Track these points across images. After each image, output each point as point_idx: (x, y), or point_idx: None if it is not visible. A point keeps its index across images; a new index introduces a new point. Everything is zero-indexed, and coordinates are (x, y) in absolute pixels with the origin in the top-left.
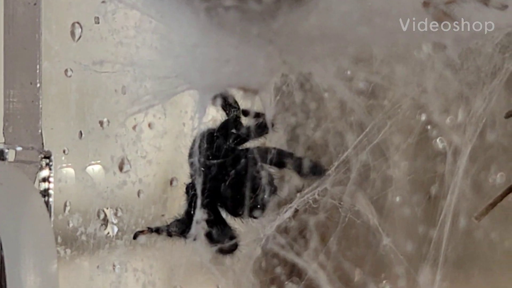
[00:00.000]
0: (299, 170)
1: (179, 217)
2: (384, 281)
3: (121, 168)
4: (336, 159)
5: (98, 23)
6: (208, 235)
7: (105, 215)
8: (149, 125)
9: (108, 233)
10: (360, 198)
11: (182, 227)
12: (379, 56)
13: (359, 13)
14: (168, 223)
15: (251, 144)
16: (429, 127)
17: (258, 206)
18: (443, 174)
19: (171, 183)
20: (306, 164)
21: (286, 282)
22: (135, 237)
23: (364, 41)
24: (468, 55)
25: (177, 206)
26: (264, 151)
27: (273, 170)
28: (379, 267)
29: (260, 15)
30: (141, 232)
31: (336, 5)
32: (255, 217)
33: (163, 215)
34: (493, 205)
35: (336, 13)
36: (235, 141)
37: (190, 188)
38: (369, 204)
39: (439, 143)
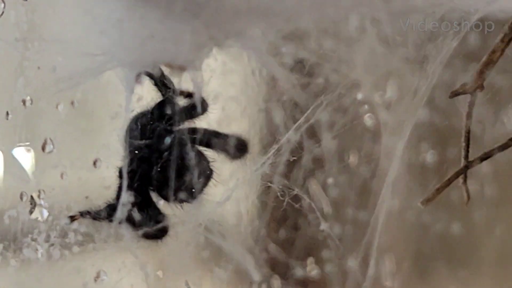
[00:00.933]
0: (226, 149)
1: (110, 202)
2: (312, 264)
3: (43, 149)
4: (272, 140)
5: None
6: (130, 219)
7: (32, 198)
8: (72, 103)
9: (38, 217)
10: (298, 181)
11: (111, 211)
12: (310, 30)
13: None
14: (101, 207)
15: (185, 125)
16: (365, 106)
17: (190, 190)
18: (378, 153)
19: (94, 164)
20: (232, 142)
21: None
22: (71, 220)
23: (292, 13)
24: (408, 31)
25: (100, 187)
26: (192, 131)
27: (209, 152)
28: (312, 250)
29: None
30: (73, 217)
31: None
32: (186, 201)
33: (86, 197)
34: (439, 190)
35: None
36: (169, 123)
37: (122, 171)
38: (311, 187)
39: (373, 122)
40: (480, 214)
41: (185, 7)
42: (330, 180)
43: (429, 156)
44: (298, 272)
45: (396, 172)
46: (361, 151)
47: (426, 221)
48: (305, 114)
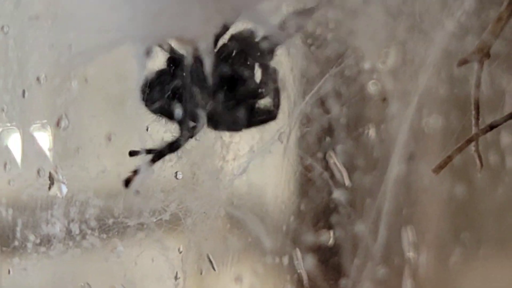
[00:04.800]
0: None
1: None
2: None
3: (58, 125)
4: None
5: None
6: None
7: (50, 174)
8: (86, 80)
9: (57, 194)
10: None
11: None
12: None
13: None
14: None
15: None
16: (374, 76)
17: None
18: (384, 120)
19: (109, 139)
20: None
21: None
22: (127, 185)
23: None
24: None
25: (115, 163)
26: None
27: None
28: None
29: None
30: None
31: None
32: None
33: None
34: (451, 157)
35: None
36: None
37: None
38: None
39: (379, 89)
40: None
41: None
42: (339, 148)
43: (438, 123)
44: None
45: (405, 137)
46: (371, 120)
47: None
48: (318, 85)
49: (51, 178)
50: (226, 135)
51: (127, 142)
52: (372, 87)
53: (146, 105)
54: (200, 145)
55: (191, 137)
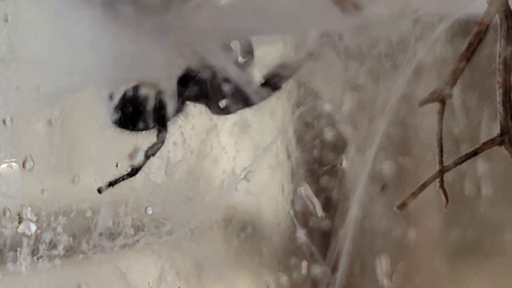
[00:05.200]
0: None
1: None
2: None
3: (24, 165)
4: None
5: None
6: None
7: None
8: (50, 122)
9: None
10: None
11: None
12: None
13: (247, 4)
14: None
15: None
16: (331, 119)
17: None
18: (342, 165)
19: (74, 181)
20: None
21: None
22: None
23: (253, 31)
24: (374, 43)
25: (82, 201)
26: None
27: None
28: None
29: (154, 9)
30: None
31: None
32: None
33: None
34: (415, 194)
35: (226, 5)
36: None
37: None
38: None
39: (339, 134)
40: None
41: (155, 27)
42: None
43: (397, 165)
44: None
45: (365, 181)
46: (330, 162)
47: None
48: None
49: (19, 217)
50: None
51: (93, 181)
52: (329, 132)
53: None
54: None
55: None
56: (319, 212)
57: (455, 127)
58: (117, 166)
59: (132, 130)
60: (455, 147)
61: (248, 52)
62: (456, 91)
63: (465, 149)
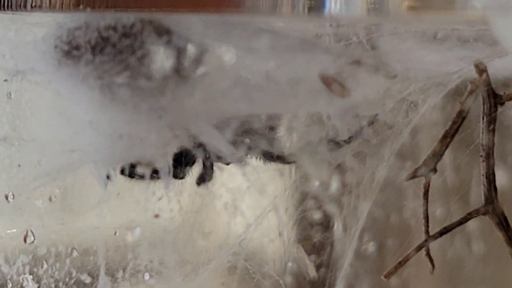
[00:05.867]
0: None
1: None
2: None
3: (25, 240)
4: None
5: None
6: None
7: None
8: (50, 198)
9: None
10: None
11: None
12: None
13: (239, 89)
14: None
15: None
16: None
17: None
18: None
19: (71, 254)
20: None
21: None
22: None
23: (244, 113)
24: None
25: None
26: None
27: None
28: None
29: (149, 92)
30: None
31: (218, 82)
32: None
33: None
34: (401, 263)
35: (218, 89)
36: None
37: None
38: None
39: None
40: None
41: (150, 109)
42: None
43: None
44: None
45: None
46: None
47: None
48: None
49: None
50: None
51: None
52: (316, 214)
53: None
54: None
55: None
56: (312, 273)
57: (445, 185)
58: (115, 234)
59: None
60: (446, 205)
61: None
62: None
63: (456, 208)
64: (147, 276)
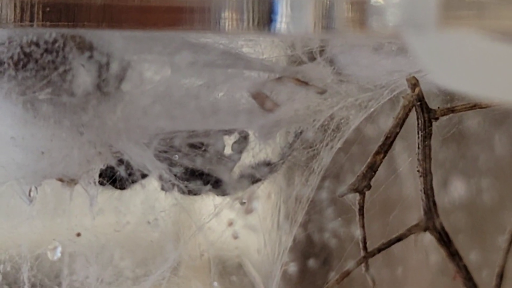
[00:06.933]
0: None
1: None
2: None
3: None
4: None
5: None
6: None
7: None
8: None
9: None
10: None
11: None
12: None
13: (160, 106)
14: None
15: None
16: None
17: None
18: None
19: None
20: None
21: None
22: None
23: (165, 130)
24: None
25: None
26: None
27: None
28: None
29: (71, 108)
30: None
31: (139, 99)
32: None
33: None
34: (338, 280)
35: (139, 106)
36: None
37: None
38: None
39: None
40: None
41: (72, 126)
42: None
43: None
44: None
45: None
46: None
47: None
48: None
49: None
50: None
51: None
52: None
53: None
54: None
55: None
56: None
57: (404, 194)
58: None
59: None
60: (405, 213)
61: (244, 137)
62: (406, 157)
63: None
64: None
